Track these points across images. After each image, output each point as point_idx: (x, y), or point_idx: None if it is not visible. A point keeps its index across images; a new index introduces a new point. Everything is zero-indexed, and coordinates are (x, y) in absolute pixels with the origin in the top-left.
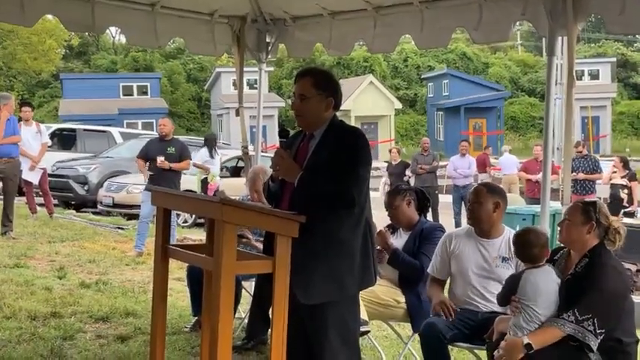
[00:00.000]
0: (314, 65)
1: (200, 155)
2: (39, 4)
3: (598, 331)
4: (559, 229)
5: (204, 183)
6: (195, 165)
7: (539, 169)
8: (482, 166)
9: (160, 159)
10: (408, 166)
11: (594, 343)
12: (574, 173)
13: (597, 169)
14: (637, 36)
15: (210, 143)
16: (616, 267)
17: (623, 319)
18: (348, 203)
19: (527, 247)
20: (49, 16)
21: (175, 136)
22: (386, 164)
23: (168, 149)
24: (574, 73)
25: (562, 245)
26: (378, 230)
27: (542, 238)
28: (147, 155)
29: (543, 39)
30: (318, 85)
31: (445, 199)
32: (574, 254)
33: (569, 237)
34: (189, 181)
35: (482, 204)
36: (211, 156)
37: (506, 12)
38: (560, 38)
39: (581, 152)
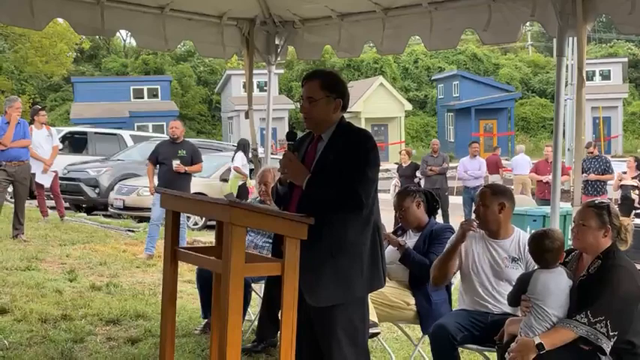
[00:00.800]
0: (321, 68)
1: (240, 159)
2: (48, 7)
3: (611, 334)
4: (573, 233)
5: (242, 188)
6: (235, 169)
7: (549, 170)
8: (495, 167)
9: (176, 163)
10: (419, 168)
11: (607, 346)
12: (585, 174)
13: (608, 170)
14: None
15: (245, 148)
16: (628, 268)
17: (635, 321)
18: (356, 205)
19: (543, 252)
20: (60, 20)
21: (186, 139)
22: (396, 166)
23: (180, 152)
24: (584, 74)
25: (573, 247)
26: (385, 234)
27: (557, 243)
28: (157, 158)
29: (554, 39)
30: (326, 87)
31: (455, 201)
32: (586, 256)
33: (584, 242)
34: (197, 184)
35: (487, 206)
36: (249, 160)
37: (515, 13)
38: (569, 38)
39: (592, 153)
